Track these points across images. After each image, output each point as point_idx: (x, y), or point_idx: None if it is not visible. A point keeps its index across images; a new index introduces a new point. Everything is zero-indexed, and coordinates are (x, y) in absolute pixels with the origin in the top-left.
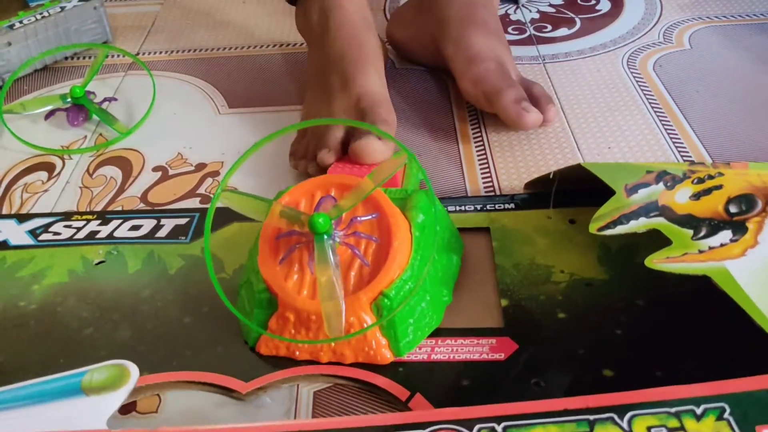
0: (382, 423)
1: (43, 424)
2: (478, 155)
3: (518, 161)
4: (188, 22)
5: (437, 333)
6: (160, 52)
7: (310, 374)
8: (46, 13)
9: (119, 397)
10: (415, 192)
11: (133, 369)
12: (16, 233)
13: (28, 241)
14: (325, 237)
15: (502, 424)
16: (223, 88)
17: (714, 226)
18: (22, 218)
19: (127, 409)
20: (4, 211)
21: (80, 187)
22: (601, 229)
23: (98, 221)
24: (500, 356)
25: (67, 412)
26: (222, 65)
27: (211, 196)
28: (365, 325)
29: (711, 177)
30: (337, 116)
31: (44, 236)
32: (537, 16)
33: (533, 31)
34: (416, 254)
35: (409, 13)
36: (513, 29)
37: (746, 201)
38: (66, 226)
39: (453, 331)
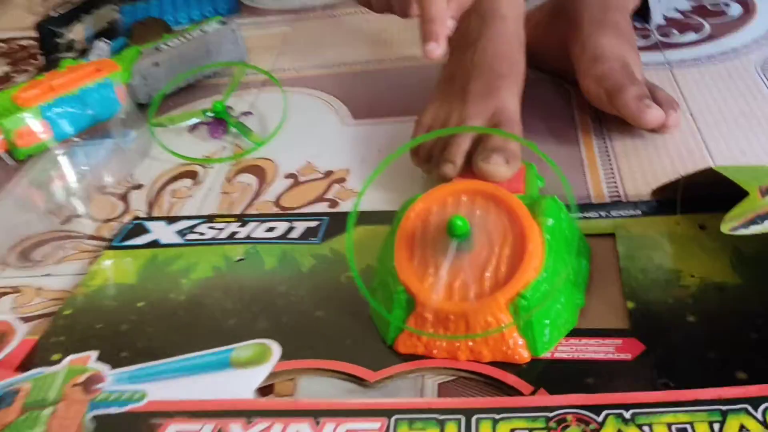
0: (510, 405)
1: (197, 393)
2: (602, 162)
3: (645, 167)
4: (315, 40)
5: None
6: (291, 69)
7: (436, 367)
8: (189, 36)
9: (263, 371)
10: (543, 197)
11: (276, 348)
12: (166, 233)
13: (177, 240)
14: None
15: (630, 411)
16: (348, 100)
17: None
18: (170, 220)
19: (265, 391)
20: (155, 214)
21: (221, 193)
22: (733, 228)
23: (238, 223)
24: (627, 356)
25: (217, 383)
26: (347, 79)
27: (339, 201)
28: (503, 327)
29: None
30: (467, 120)
31: (190, 236)
32: (663, 22)
33: (659, 37)
34: (549, 257)
35: (540, 15)
36: (637, 34)
37: None
38: (209, 228)
39: (578, 332)
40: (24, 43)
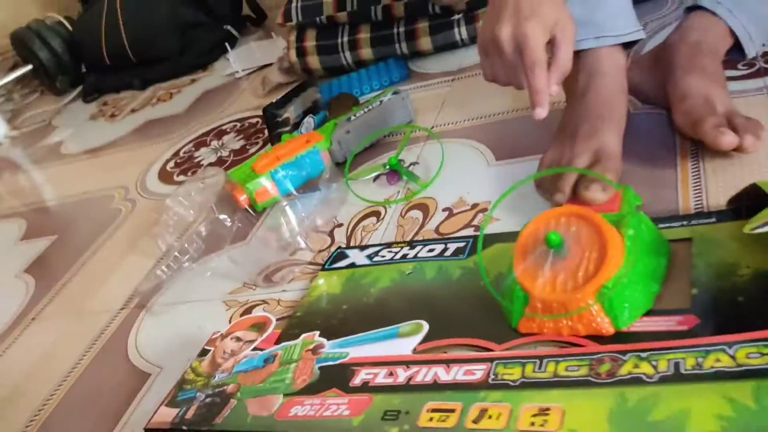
0: (567, 353)
1: (378, 351)
2: (693, 180)
3: (728, 183)
4: (469, 96)
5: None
6: (449, 124)
7: (546, 340)
8: (371, 107)
9: (417, 339)
10: (626, 214)
11: (425, 325)
12: (359, 257)
13: (367, 261)
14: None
15: (647, 353)
16: (492, 145)
17: None
18: (362, 248)
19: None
20: (352, 244)
21: (397, 226)
22: (752, 229)
23: (408, 248)
24: (684, 327)
25: (390, 346)
26: (492, 127)
27: (479, 225)
28: (593, 310)
29: None
30: (576, 158)
31: (376, 258)
32: (756, 53)
33: (763, 64)
34: (628, 258)
35: (646, 60)
36: (743, 65)
37: None
38: (389, 251)
39: (652, 312)
40: (253, 121)
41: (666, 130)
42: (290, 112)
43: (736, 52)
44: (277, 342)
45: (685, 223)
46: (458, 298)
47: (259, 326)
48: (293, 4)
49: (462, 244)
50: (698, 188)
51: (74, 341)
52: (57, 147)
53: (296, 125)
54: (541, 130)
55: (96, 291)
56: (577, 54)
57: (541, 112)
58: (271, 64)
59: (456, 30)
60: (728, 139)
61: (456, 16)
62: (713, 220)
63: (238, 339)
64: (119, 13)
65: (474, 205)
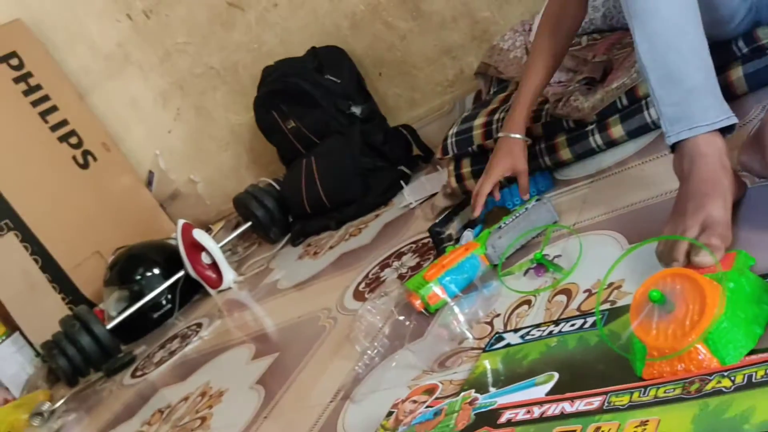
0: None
1: (519, 398)
2: None
3: None
4: (606, 193)
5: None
6: (586, 220)
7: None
8: (518, 214)
9: (549, 386)
10: (728, 272)
11: (555, 374)
12: (514, 338)
13: (520, 340)
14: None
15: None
16: (625, 232)
17: None
18: (516, 330)
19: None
20: (508, 328)
21: (545, 309)
22: None
23: (554, 325)
24: None
25: (528, 394)
26: (625, 217)
27: (616, 300)
28: (701, 352)
29: None
30: (687, 231)
31: (527, 337)
32: None
33: None
34: (728, 306)
35: (748, 141)
36: None
37: None
38: (537, 330)
39: (754, 351)
40: (425, 241)
41: None
42: (452, 229)
43: None
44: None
45: None
46: (595, 359)
47: (430, 391)
48: (448, 140)
49: (599, 317)
50: None
51: (296, 430)
52: (274, 285)
53: (458, 240)
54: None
55: (311, 390)
56: (678, 144)
57: None
58: (437, 193)
59: (591, 138)
60: None
61: (589, 127)
62: None
63: (414, 401)
64: (314, 169)
65: (610, 284)
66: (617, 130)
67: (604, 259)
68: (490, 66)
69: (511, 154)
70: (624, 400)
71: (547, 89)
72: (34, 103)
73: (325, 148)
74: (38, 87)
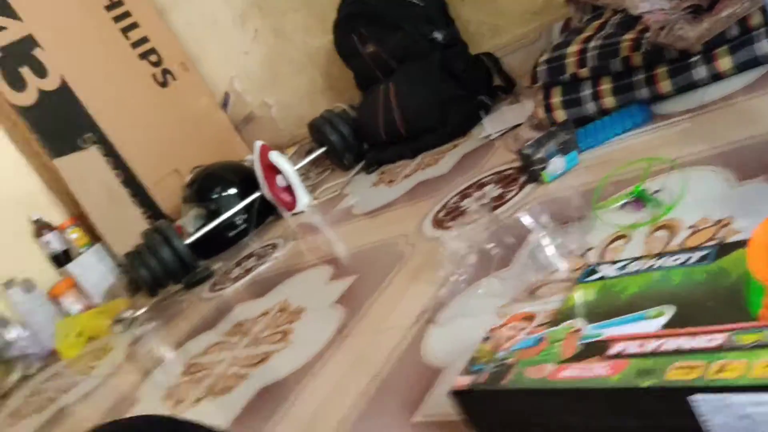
0: None
1: (629, 331)
2: None
3: None
4: (709, 130)
5: None
6: (690, 155)
7: None
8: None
9: (662, 320)
10: None
11: (668, 310)
12: (610, 270)
13: (617, 273)
14: None
15: None
16: (734, 168)
17: None
18: (612, 263)
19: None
20: (606, 260)
21: (643, 245)
22: None
23: (656, 258)
24: None
25: (638, 327)
26: (732, 153)
27: (725, 238)
28: None
29: None
30: None
31: (625, 270)
32: None
33: None
34: None
35: None
36: None
37: None
38: (636, 263)
39: None
40: (508, 172)
41: None
42: (543, 152)
43: None
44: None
45: None
46: (704, 296)
47: (529, 318)
48: (539, 68)
49: (706, 252)
50: None
51: (378, 350)
52: (349, 210)
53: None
54: None
55: (392, 312)
56: None
57: None
58: (520, 124)
59: (695, 70)
60: None
61: (694, 58)
62: None
63: (513, 327)
64: (392, 95)
65: (718, 221)
66: (725, 62)
67: (711, 195)
68: None
69: None
70: (750, 338)
71: (647, 16)
72: (116, 19)
73: (403, 74)
74: (119, 2)
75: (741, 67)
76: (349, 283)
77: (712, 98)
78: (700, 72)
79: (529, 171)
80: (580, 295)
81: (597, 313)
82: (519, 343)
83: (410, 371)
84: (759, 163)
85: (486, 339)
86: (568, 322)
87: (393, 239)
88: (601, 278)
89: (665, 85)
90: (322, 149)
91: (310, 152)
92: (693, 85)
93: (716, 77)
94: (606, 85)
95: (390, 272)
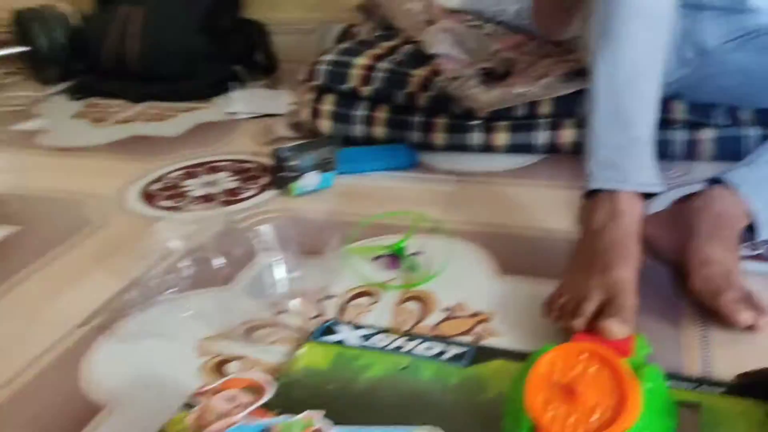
0: None
1: None
2: (701, 345)
3: (735, 357)
4: (475, 202)
5: None
6: (454, 222)
7: None
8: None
9: None
10: (648, 365)
11: None
12: (351, 336)
13: (359, 343)
14: None
15: None
16: (498, 256)
17: None
18: (355, 327)
19: None
20: (343, 319)
21: (392, 314)
22: None
23: (405, 338)
24: None
25: None
26: (500, 238)
27: (483, 336)
28: None
29: None
30: (592, 290)
31: (369, 342)
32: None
33: (765, 252)
34: (644, 414)
35: (665, 217)
36: (749, 245)
37: None
38: (384, 338)
39: None
40: (250, 165)
41: (672, 288)
42: (299, 161)
43: (745, 233)
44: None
45: (693, 386)
46: (455, 410)
47: (255, 390)
48: (321, 67)
49: (462, 351)
50: (705, 354)
51: (21, 349)
52: (32, 136)
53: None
54: (549, 255)
55: (55, 298)
56: (599, 192)
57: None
58: (275, 115)
59: (471, 134)
60: (746, 317)
61: (475, 122)
62: (722, 390)
63: (230, 398)
64: (137, 22)
65: (474, 314)
66: (502, 137)
67: (471, 278)
68: (379, 6)
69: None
70: None
71: (440, 60)
72: None
73: (161, 2)
74: None
75: (514, 149)
76: (6, 234)
77: (479, 168)
78: (477, 138)
79: (277, 176)
80: (312, 358)
81: (328, 392)
82: (236, 428)
83: (58, 396)
84: (526, 258)
85: (188, 406)
86: (306, 415)
87: (82, 197)
88: (340, 342)
89: (439, 138)
90: (22, 48)
91: (4, 45)
92: (464, 148)
93: (487, 149)
94: (382, 114)
95: (67, 240)
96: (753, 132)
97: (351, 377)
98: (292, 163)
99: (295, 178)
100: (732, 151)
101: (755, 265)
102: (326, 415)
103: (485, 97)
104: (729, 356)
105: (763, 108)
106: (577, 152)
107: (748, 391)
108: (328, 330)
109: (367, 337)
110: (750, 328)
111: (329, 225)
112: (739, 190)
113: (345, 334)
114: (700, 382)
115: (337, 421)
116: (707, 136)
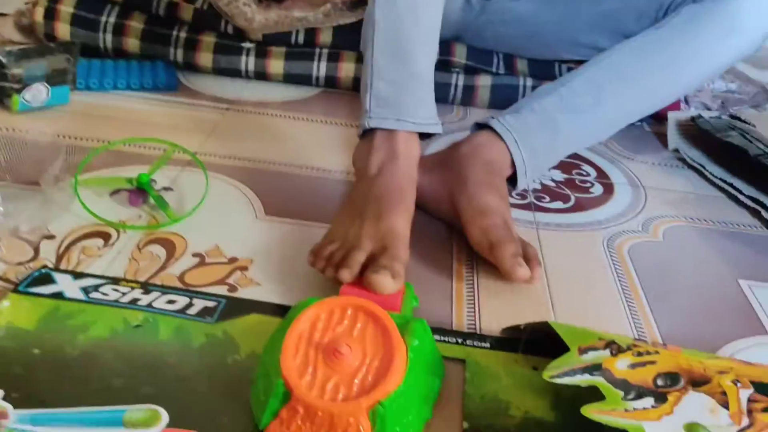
0: None
1: None
2: (467, 297)
3: (501, 308)
4: (242, 134)
5: None
6: (215, 156)
7: None
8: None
9: None
10: (414, 320)
11: (164, 415)
12: (71, 287)
13: (80, 296)
14: None
15: None
16: (263, 196)
17: (641, 392)
18: (77, 275)
19: None
20: (62, 267)
21: (129, 258)
22: (552, 377)
23: (141, 290)
24: None
25: None
26: (265, 176)
27: (238, 287)
28: (361, 428)
29: (649, 353)
30: (363, 239)
31: (94, 294)
32: (539, 187)
33: (533, 200)
34: (410, 374)
35: (431, 163)
36: (517, 194)
37: (672, 378)
38: (114, 290)
39: None
40: None
41: (444, 238)
42: (24, 69)
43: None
44: None
45: (459, 341)
46: (198, 376)
47: None
48: None
49: (212, 304)
50: (472, 306)
51: None
52: None
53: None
54: (321, 198)
55: None
56: (375, 132)
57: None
58: (2, 15)
59: (244, 58)
60: (524, 272)
61: (248, 45)
62: (487, 345)
63: None
64: None
65: (232, 260)
66: (277, 65)
67: (229, 219)
68: None
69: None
70: None
71: None
72: None
73: None
74: None
75: (290, 78)
76: None
77: (249, 97)
78: (249, 63)
79: None
80: (16, 314)
81: (33, 357)
82: None
83: None
84: (292, 202)
85: None
86: None
87: None
88: (56, 296)
89: (205, 58)
90: None
91: None
92: (234, 73)
93: (261, 76)
94: (137, 23)
95: None
96: (527, 82)
97: (65, 339)
98: (15, 71)
99: (18, 90)
100: (507, 99)
101: (521, 213)
102: (29, 392)
103: (259, 17)
104: (496, 308)
105: (536, 59)
106: (356, 88)
107: (515, 346)
108: (42, 279)
109: (91, 289)
110: (525, 281)
111: (56, 149)
112: (504, 138)
113: (63, 284)
114: (467, 336)
115: (43, 398)
116: (484, 82)
